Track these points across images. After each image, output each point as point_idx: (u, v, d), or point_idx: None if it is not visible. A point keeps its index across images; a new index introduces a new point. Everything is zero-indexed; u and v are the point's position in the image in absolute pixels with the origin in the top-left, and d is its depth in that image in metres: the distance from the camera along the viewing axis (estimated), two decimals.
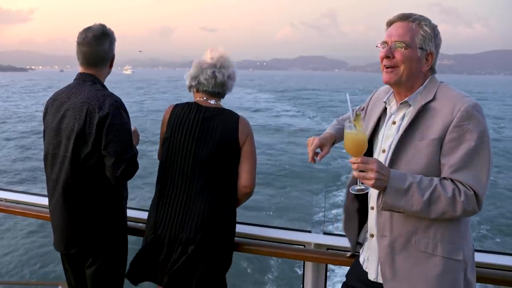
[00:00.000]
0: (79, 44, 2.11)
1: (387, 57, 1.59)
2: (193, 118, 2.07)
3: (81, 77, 2.14)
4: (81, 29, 2.15)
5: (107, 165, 2.03)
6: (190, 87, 2.19)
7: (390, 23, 1.63)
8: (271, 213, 10.62)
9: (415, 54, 1.57)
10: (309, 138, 1.90)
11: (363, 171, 1.46)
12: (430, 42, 1.58)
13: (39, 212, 2.61)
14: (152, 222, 2.07)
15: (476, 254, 1.66)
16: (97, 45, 2.11)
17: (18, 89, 67.21)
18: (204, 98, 2.15)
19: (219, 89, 2.14)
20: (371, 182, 1.45)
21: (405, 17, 1.59)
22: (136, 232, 2.31)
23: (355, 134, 1.48)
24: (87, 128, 2.01)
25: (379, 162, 1.47)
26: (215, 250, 2.01)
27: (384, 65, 1.61)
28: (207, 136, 2.05)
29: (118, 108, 2.04)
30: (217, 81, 2.11)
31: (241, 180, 2.08)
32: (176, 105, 2.17)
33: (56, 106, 2.13)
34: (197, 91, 2.18)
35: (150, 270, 2.07)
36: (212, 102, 2.15)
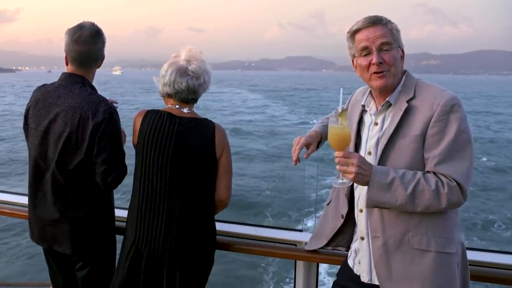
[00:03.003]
0: (74, 42, 1.99)
1: (379, 63, 1.56)
2: (167, 131, 1.92)
3: (69, 78, 2.03)
4: (67, 29, 2.05)
5: (97, 172, 1.98)
6: (163, 94, 2.02)
7: (357, 30, 1.60)
8: (268, 192, 12.54)
9: (398, 53, 1.60)
10: (295, 138, 1.90)
11: (345, 165, 1.48)
12: (400, 40, 1.62)
13: (26, 212, 2.57)
14: (131, 239, 1.97)
15: (468, 252, 1.66)
16: (93, 43, 2.02)
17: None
18: (177, 106, 1.99)
19: (192, 96, 1.99)
20: (351, 176, 1.48)
21: (378, 20, 1.58)
22: (123, 231, 2.25)
23: (339, 128, 1.51)
24: (80, 134, 1.94)
25: (360, 157, 1.49)
26: (195, 269, 1.97)
27: (374, 72, 1.58)
28: (182, 153, 1.91)
29: (111, 114, 1.97)
30: (190, 88, 1.95)
31: (219, 194, 2.00)
32: (148, 112, 1.99)
33: (43, 107, 2.02)
34: (169, 97, 2.01)
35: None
36: (185, 110, 1.98)
